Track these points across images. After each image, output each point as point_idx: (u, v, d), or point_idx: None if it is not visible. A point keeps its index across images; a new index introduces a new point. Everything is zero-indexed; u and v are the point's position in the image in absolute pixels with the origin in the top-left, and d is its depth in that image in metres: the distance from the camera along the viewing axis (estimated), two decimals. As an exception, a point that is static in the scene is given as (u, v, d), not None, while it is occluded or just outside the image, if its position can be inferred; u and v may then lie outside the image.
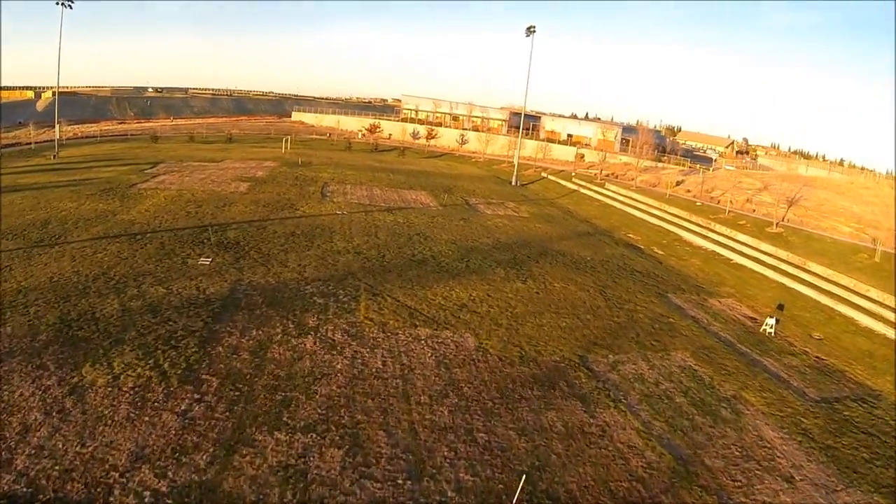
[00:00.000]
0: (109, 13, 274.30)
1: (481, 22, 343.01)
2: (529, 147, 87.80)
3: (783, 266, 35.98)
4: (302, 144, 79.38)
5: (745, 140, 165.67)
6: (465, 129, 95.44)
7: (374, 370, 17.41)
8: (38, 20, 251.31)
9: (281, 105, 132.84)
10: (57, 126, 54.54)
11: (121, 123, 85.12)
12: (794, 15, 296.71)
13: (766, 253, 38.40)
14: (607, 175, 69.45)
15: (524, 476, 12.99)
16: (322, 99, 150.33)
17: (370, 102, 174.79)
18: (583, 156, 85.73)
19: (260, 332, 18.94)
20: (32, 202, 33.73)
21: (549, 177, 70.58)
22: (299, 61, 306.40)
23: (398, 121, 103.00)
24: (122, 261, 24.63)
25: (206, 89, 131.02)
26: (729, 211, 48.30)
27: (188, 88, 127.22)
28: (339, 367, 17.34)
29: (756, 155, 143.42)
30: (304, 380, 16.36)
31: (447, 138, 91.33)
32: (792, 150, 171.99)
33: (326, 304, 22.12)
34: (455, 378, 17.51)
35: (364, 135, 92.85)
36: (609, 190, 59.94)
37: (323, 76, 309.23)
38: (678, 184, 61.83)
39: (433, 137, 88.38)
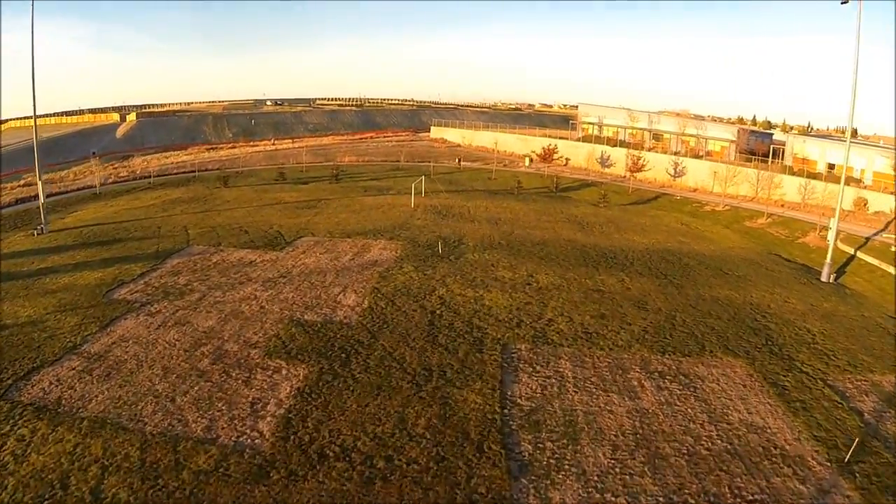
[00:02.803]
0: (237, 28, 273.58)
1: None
2: (785, 185, 51.47)
3: None
4: (445, 181, 52.21)
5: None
6: (678, 155, 62.08)
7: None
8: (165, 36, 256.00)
9: (417, 116, 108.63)
10: (40, 183, 32.17)
11: (211, 149, 65.06)
12: None
13: None
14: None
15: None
16: (465, 107, 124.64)
17: (518, 108, 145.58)
18: (866, 202, 48.16)
19: None
20: None
21: (861, 256, 35.51)
22: (440, 64, 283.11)
23: (575, 140, 72.34)
24: None
25: (333, 99, 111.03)
26: None
27: (314, 99, 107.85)
28: None
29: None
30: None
31: (655, 168, 58.96)
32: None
33: None
34: None
35: (533, 161, 63.85)
36: None
37: (463, 79, 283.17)
38: None
39: (640, 170, 56.59)
